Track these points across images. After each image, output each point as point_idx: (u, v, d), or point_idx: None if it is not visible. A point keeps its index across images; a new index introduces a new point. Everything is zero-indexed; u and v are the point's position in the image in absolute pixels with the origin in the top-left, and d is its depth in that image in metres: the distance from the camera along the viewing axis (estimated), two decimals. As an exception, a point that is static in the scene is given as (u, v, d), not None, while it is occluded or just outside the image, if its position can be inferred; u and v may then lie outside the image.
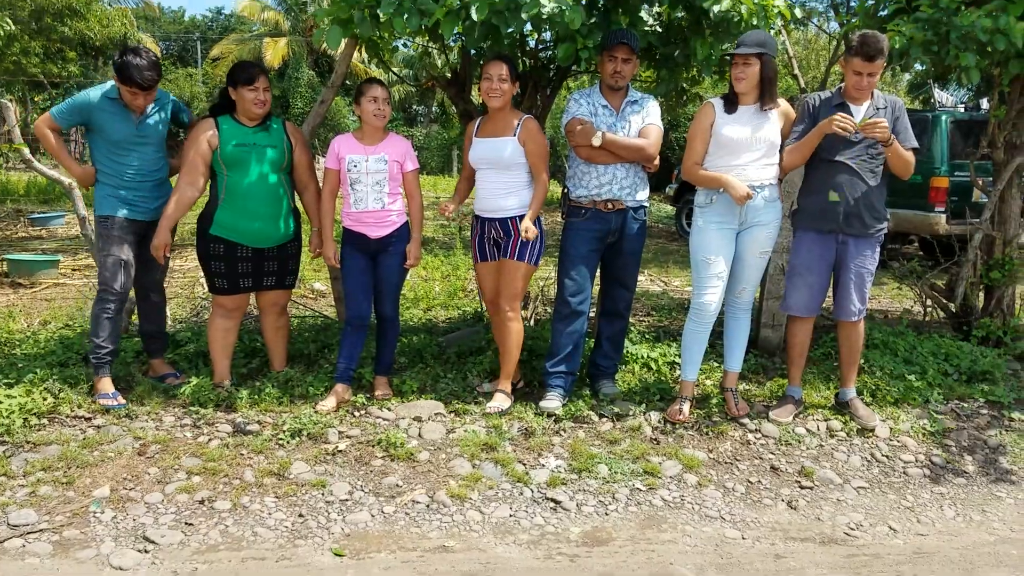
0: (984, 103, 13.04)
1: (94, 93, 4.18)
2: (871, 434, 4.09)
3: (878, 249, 4.05)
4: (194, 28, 43.86)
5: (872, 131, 3.70)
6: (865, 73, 3.80)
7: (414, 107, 34.16)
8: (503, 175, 4.13)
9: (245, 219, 4.14)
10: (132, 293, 4.43)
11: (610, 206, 4.17)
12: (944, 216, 8.83)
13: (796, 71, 9.17)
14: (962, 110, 10.62)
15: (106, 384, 4.23)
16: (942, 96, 11.69)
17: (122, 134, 4.15)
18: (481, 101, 5.10)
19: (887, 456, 3.95)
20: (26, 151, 4.80)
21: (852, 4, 12.37)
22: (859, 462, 3.88)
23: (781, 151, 3.99)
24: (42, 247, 9.44)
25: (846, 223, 3.94)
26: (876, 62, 3.77)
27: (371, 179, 4.13)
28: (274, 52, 28.50)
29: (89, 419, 4.02)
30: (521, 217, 4.11)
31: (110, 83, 4.19)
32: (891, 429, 4.14)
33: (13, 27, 5.87)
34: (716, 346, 4.69)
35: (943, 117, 9.09)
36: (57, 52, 15.25)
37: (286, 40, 29.19)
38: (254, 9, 30.48)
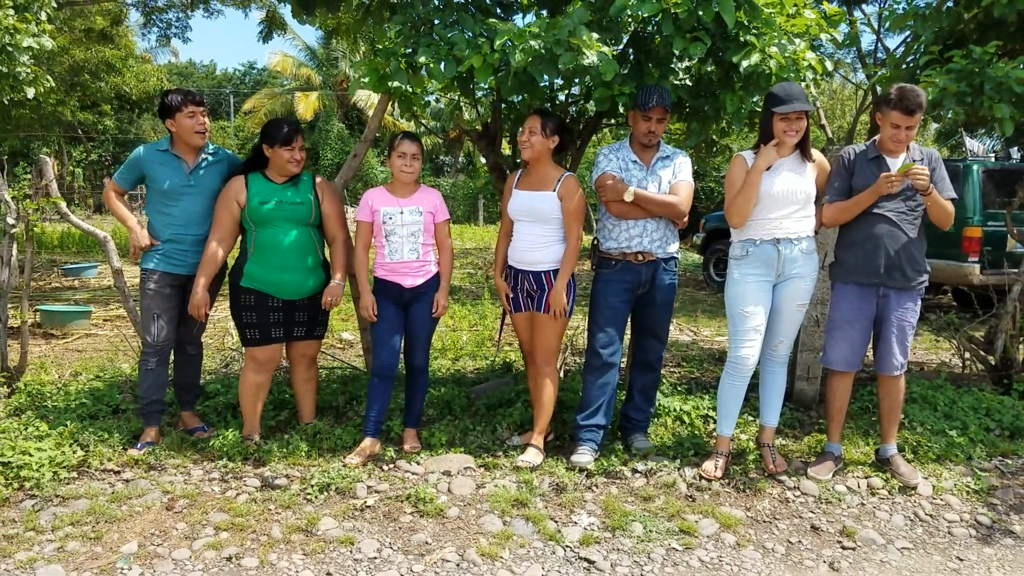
0: (1014, 152, 12.96)
1: (144, 148, 4.33)
2: (913, 492, 3.96)
3: (919, 302, 3.97)
4: (226, 82, 44.99)
5: (914, 176, 3.65)
6: (904, 127, 3.78)
7: (441, 157, 34.61)
8: (540, 228, 4.11)
9: (274, 272, 4.16)
10: None
11: (640, 258, 4.15)
12: (978, 266, 8.72)
13: (823, 121, 9.17)
14: (993, 159, 10.54)
15: (148, 434, 4.31)
16: (973, 145, 11.62)
17: (171, 183, 4.20)
18: (511, 153, 5.16)
19: (931, 515, 3.81)
20: (62, 205, 4.88)
21: (880, 55, 12.40)
22: (902, 521, 3.75)
23: (817, 203, 3.96)
24: (75, 297, 9.57)
25: (888, 276, 3.87)
26: (915, 116, 3.74)
27: (406, 230, 4.14)
28: (306, 105, 29.14)
29: (118, 472, 4.01)
30: (555, 272, 4.10)
31: (159, 141, 4.33)
32: (934, 487, 4.01)
33: (52, 83, 6.02)
34: (751, 399, 4.59)
35: (974, 166, 9.03)
36: (93, 104, 15.68)
37: (317, 94, 29.84)
38: (287, 64, 31.27)
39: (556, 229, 4.13)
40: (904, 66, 5.38)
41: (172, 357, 4.54)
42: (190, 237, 4.25)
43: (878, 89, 5.74)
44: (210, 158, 4.33)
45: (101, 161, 30.31)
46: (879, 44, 12.20)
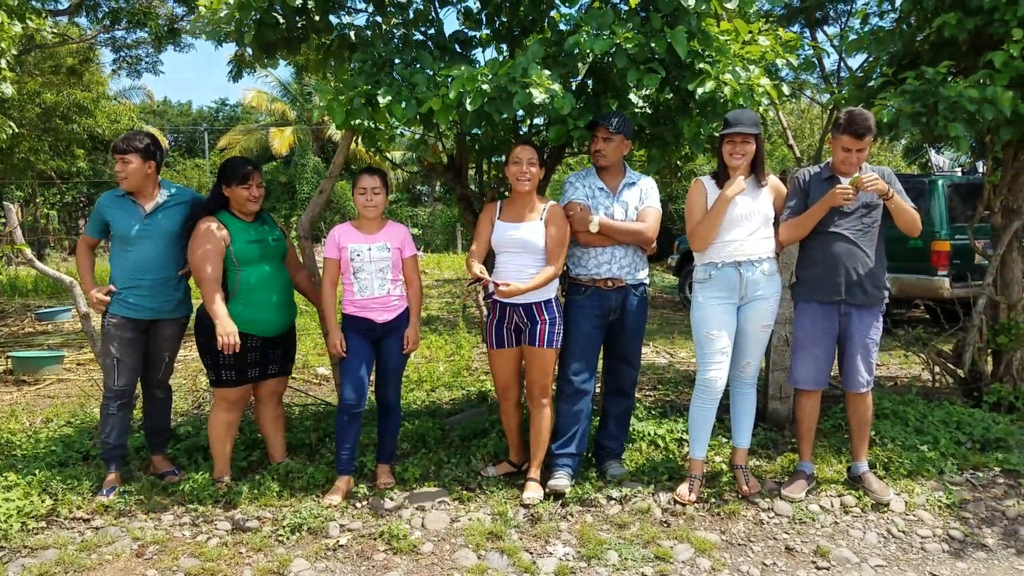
0: (980, 165, 13.20)
1: (105, 195, 4.35)
2: (886, 509, 3.98)
3: (881, 318, 4.02)
4: (201, 119, 44.96)
5: (871, 185, 3.71)
6: (854, 149, 3.85)
7: (418, 187, 34.69)
8: (528, 259, 4.08)
9: (259, 311, 4.18)
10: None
11: (610, 284, 4.17)
12: (947, 280, 8.81)
13: (791, 141, 9.31)
14: (960, 173, 10.70)
15: (109, 480, 4.26)
16: (939, 160, 11.81)
17: (127, 228, 4.18)
18: (478, 185, 5.19)
19: (904, 531, 3.83)
20: (28, 252, 4.85)
21: (843, 75, 12.62)
22: (875, 539, 3.77)
23: (775, 225, 4.02)
24: (48, 342, 9.46)
25: (848, 293, 3.92)
26: (864, 139, 3.82)
27: (375, 267, 4.14)
28: (281, 140, 29.16)
29: (88, 520, 3.96)
30: (546, 303, 4.08)
31: (117, 187, 4.33)
32: (906, 503, 4.03)
33: (17, 129, 5.98)
34: (724, 420, 4.62)
35: (940, 181, 9.17)
36: (66, 149, 15.60)
37: (292, 129, 29.87)
38: (261, 100, 31.32)
39: (543, 259, 4.09)
40: (865, 87, 5.47)
41: (140, 402, 4.50)
42: (147, 281, 4.21)
43: (840, 110, 5.86)
44: (170, 200, 4.30)
45: (75, 203, 30.13)
46: (842, 64, 12.41)
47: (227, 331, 3.98)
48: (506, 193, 4.60)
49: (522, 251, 4.09)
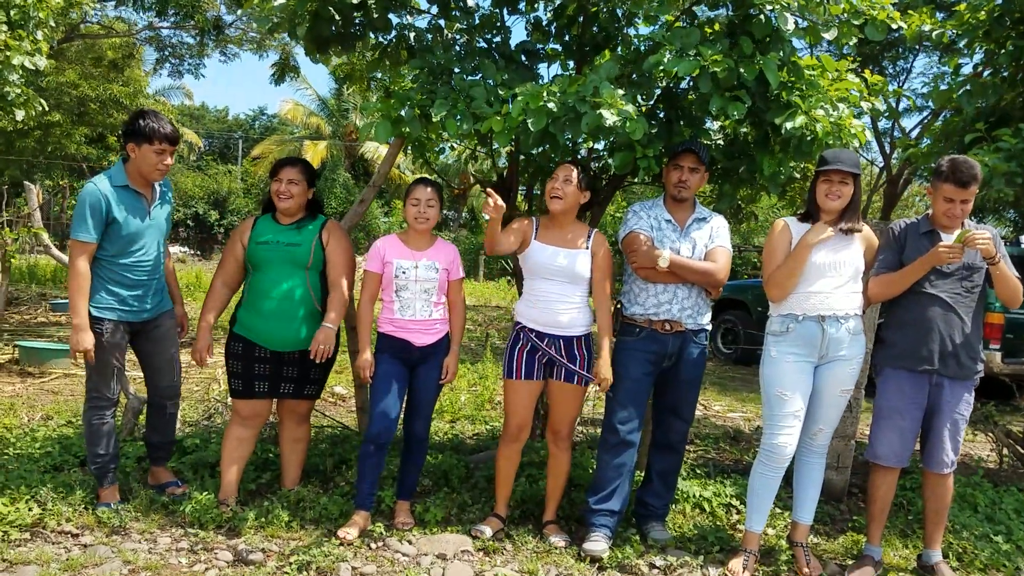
0: (1024, 238, 12.80)
1: (102, 185, 3.70)
2: (962, 606, 3.55)
3: (973, 393, 3.62)
4: (237, 127, 45.20)
5: (973, 242, 3.32)
6: (958, 200, 3.47)
7: (444, 212, 34.61)
8: (572, 288, 3.77)
9: (260, 319, 3.88)
10: (145, 397, 4.11)
11: (668, 327, 3.80)
12: (999, 354, 8.42)
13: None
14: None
15: (109, 493, 3.88)
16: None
17: (135, 224, 3.76)
18: (527, 209, 4.86)
19: (983, 635, 3.39)
20: (45, 236, 4.55)
21: (896, 134, 12.25)
22: (952, 641, 3.33)
23: (864, 279, 3.63)
24: (58, 334, 9.16)
25: (942, 363, 3.52)
26: (969, 188, 3.45)
27: (419, 287, 3.81)
28: (314, 154, 29.16)
29: (76, 536, 3.60)
30: (586, 337, 3.82)
31: (110, 171, 3.81)
32: (984, 601, 3.60)
33: (46, 108, 5.70)
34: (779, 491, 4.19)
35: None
36: (99, 138, 15.50)
37: (326, 143, 29.89)
38: (298, 113, 31.41)
39: (585, 290, 3.82)
40: (946, 140, 5.13)
41: (147, 414, 4.15)
42: (154, 282, 3.89)
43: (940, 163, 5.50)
44: (162, 192, 3.98)
45: (104, 196, 30.17)
46: (895, 124, 12.05)
47: (197, 347, 3.94)
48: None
49: (566, 280, 3.76)
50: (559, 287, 3.76)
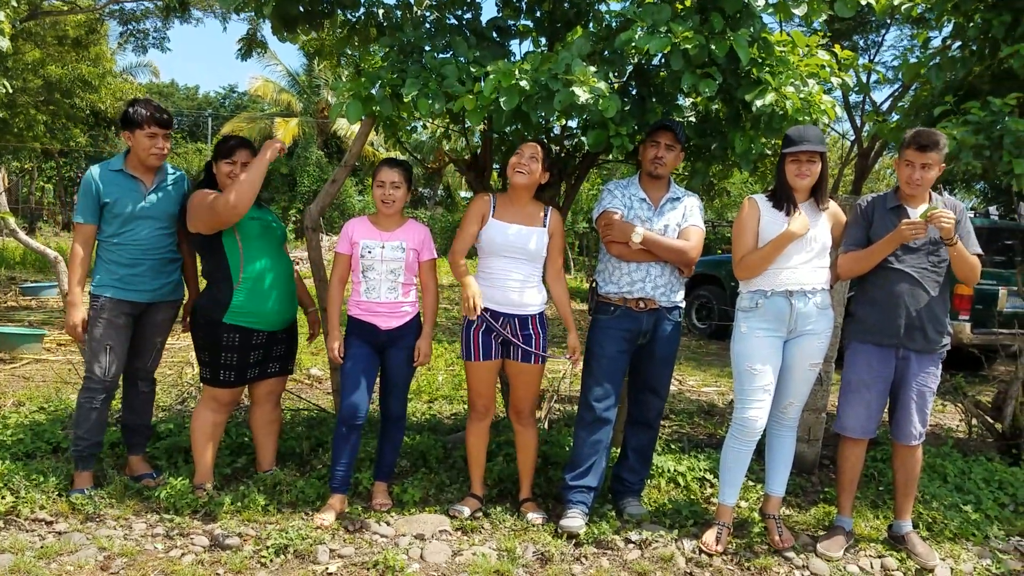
0: (992, 209, 12.95)
1: (94, 171, 3.91)
2: (931, 574, 3.62)
3: (940, 366, 3.67)
4: (207, 105, 44.53)
5: (938, 221, 3.36)
6: (918, 164, 3.50)
7: (419, 189, 34.32)
8: (528, 267, 3.80)
9: (267, 301, 3.83)
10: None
11: (642, 305, 3.82)
12: (968, 324, 8.53)
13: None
14: (972, 215, 10.46)
15: (84, 479, 3.87)
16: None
17: (127, 206, 3.84)
18: (501, 188, 4.84)
19: (951, 602, 3.48)
20: (11, 221, 4.47)
21: (867, 107, 12.33)
22: (920, 608, 3.41)
23: (832, 255, 3.67)
24: (29, 319, 9.04)
25: (908, 337, 3.56)
26: (928, 153, 3.47)
27: (385, 267, 3.79)
28: (285, 131, 28.73)
29: (51, 523, 3.58)
30: (540, 315, 3.84)
31: (112, 159, 4.00)
32: (952, 570, 3.67)
33: (10, 90, 5.57)
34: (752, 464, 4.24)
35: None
36: (62, 127, 15.20)
37: (297, 121, 29.47)
38: (268, 89, 30.89)
39: (540, 268, 3.86)
40: (914, 116, 5.16)
41: (122, 396, 4.12)
42: (150, 260, 3.89)
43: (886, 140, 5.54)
44: (170, 180, 4.01)
45: (74, 178, 29.65)
46: (866, 97, 12.12)
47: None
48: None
49: (524, 258, 3.78)
50: (515, 264, 3.77)
